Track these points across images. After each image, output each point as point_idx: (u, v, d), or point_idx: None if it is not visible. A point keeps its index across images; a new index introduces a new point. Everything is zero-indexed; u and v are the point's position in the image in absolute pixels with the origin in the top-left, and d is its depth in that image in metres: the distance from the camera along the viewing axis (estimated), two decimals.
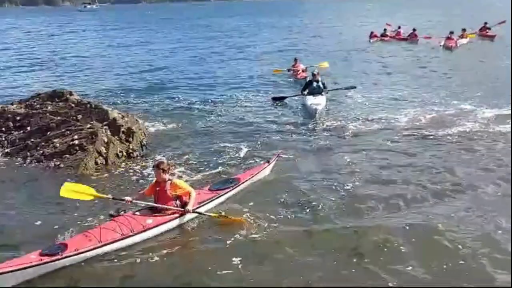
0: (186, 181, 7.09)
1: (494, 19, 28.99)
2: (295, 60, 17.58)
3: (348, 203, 6.73)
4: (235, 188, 7.02)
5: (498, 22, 27.27)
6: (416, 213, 6.38)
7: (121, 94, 15.26)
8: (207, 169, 8.23)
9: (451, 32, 24.19)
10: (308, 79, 13.55)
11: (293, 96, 13.23)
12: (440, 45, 23.82)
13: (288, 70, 17.32)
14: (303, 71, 16.60)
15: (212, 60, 23.53)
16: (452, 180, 7.44)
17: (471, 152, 8.77)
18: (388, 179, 7.60)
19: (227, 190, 6.88)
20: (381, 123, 10.88)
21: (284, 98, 13.17)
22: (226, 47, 29.63)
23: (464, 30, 25.17)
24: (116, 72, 20.41)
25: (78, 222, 6.20)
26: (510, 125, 10.06)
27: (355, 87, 13.90)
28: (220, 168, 8.19)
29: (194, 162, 8.59)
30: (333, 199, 6.83)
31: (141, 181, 7.82)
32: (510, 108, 11.23)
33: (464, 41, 24.36)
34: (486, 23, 27.05)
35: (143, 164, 8.60)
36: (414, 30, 27.59)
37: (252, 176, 7.33)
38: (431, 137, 9.69)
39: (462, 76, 16.72)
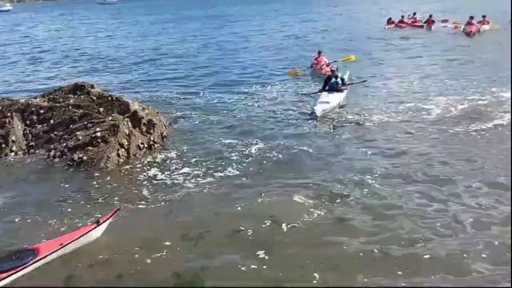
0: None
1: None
2: (319, 53, 15.92)
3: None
4: (24, 267, 4.99)
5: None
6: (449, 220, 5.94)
7: (142, 86, 15.20)
8: (217, 167, 7.90)
9: (471, 17, 23.30)
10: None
11: (316, 92, 12.19)
12: (461, 30, 22.96)
13: (311, 66, 15.69)
14: (327, 65, 14.73)
15: (234, 52, 23.15)
16: (492, 182, 6.87)
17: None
18: (416, 180, 7.07)
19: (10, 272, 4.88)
20: (409, 114, 10.40)
21: (306, 94, 12.50)
22: (246, 37, 29.20)
23: (484, 16, 24.16)
24: (135, 64, 20.37)
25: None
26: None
27: (365, 81, 13.21)
28: (229, 169, 7.80)
29: (208, 159, 8.32)
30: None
31: (160, 175, 7.73)
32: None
33: (486, 27, 23.40)
34: None
35: (164, 155, 8.57)
36: (430, 16, 26.81)
37: (62, 246, 5.26)
38: (467, 131, 9.08)
39: (491, 62, 16.00)
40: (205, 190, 7.06)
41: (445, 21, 25.26)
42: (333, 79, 11.86)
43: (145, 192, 7.09)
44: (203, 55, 22.46)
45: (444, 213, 6.05)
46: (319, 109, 10.58)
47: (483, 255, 5.10)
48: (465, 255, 5.12)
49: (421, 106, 10.89)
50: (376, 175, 7.24)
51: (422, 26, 26.44)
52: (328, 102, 10.95)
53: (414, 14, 28.91)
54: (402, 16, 28.24)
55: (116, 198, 6.91)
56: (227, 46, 25.21)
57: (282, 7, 59.31)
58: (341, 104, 11.38)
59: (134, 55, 23.30)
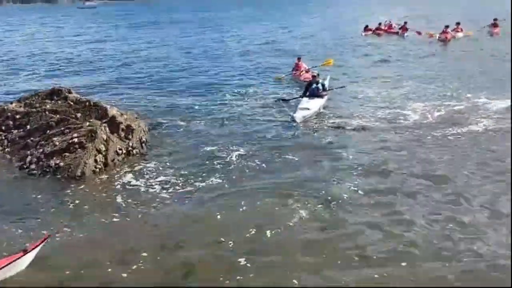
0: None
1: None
2: (298, 59, 16.00)
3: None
4: None
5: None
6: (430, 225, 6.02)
7: (121, 91, 14.98)
8: (197, 175, 7.77)
9: (446, 27, 23.94)
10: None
11: (297, 98, 12.21)
12: (436, 38, 23.54)
13: (292, 71, 15.70)
14: (306, 71, 14.89)
15: (214, 57, 23.10)
16: (465, 186, 7.04)
17: (487, 153, 8.31)
18: (392, 187, 7.12)
19: None
20: (388, 120, 10.55)
21: (288, 100, 12.46)
22: (225, 42, 29.26)
23: (458, 23, 24.79)
24: (114, 69, 20.10)
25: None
26: (510, 124, 9.67)
27: (344, 86, 13.41)
28: (210, 177, 7.66)
29: (188, 166, 8.19)
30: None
31: (137, 182, 7.57)
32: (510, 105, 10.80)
33: (460, 34, 24.02)
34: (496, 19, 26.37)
35: (143, 162, 8.43)
36: (405, 23, 27.50)
37: None
38: (444, 136, 9.25)
39: (466, 68, 16.42)
40: (185, 199, 6.95)
41: (419, 33, 25.93)
42: (314, 85, 11.95)
43: (121, 201, 6.93)
44: (184, 60, 22.33)
45: (424, 217, 6.12)
46: (299, 116, 10.62)
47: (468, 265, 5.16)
48: (446, 264, 5.16)
49: (399, 111, 11.05)
50: (358, 180, 7.29)
51: (397, 33, 27.05)
52: (308, 108, 11.01)
53: (390, 21, 29.57)
54: (379, 23, 28.93)
55: (90, 208, 6.72)
56: (207, 51, 25.17)
57: (261, 13, 59.89)
58: (321, 109, 11.46)
59: (113, 59, 23.00)
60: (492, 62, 17.08)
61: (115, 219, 6.40)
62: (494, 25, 25.64)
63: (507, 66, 16.09)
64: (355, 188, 7.01)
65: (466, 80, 14.12)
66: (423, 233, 5.72)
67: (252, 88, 14.50)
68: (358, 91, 13.47)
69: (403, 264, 5.14)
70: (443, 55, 20.02)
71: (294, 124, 10.45)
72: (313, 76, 12.39)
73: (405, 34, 26.05)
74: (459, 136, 9.21)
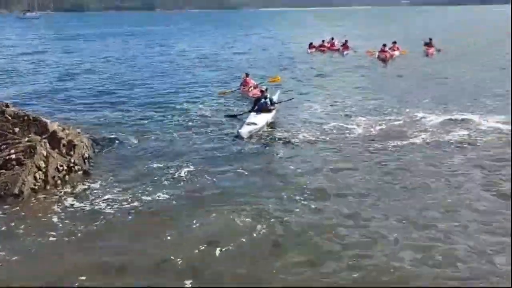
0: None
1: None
2: (246, 75, 16.01)
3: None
4: None
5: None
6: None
7: (62, 106, 14.42)
8: (144, 191, 7.55)
9: (384, 45, 25.23)
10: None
11: (246, 112, 12.30)
12: (376, 56, 24.71)
13: (239, 88, 15.66)
14: (254, 87, 14.94)
15: (163, 71, 22.86)
16: (403, 195, 7.38)
17: (427, 165, 8.71)
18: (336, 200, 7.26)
19: None
20: (334, 133, 10.86)
21: (236, 115, 12.50)
22: (173, 57, 29.11)
23: (394, 42, 26.24)
24: (56, 82, 19.30)
25: None
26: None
27: (292, 99, 13.74)
28: (158, 194, 7.47)
29: (135, 183, 7.93)
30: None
31: (79, 201, 7.23)
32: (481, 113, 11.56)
33: (397, 53, 25.43)
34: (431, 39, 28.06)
35: (86, 179, 8.09)
36: (346, 41, 28.88)
37: None
38: (386, 148, 9.64)
39: (404, 85, 17.28)
40: (130, 217, 6.72)
41: (357, 50, 27.45)
42: (263, 100, 12.12)
43: (61, 220, 6.58)
44: (129, 73, 21.92)
45: (372, 225, 6.34)
46: (245, 131, 10.66)
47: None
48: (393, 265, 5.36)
49: (344, 125, 11.42)
50: (307, 193, 7.40)
51: (338, 50, 28.24)
52: (255, 124, 11.09)
53: (332, 38, 31.06)
54: (323, 41, 30.15)
55: (26, 228, 6.34)
56: (153, 65, 24.96)
57: (207, 28, 60.16)
58: (269, 123, 11.62)
59: (55, 72, 22.14)
60: (427, 80, 18.13)
61: (53, 239, 6.08)
62: (429, 44, 27.36)
63: (441, 84, 17.24)
64: (305, 202, 7.10)
65: (404, 96, 14.87)
66: (374, 244, 5.89)
67: (198, 103, 14.45)
68: (305, 106, 13.79)
69: (355, 275, 5.24)
70: (383, 72, 21.07)
71: (242, 139, 10.47)
72: (262, 92, 12.58)
73: (345, 52, 27.32)
74: (400, 148, 9.65)
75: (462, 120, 11.54)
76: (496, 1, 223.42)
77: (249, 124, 11.08)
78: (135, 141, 10.40)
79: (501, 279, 5.11)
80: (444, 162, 8.79)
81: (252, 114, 11.77)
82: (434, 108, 12.78)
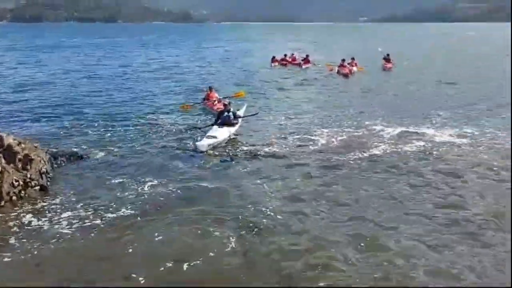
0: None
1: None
2: (210, 89, 15.92)
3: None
4: None
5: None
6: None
7: (18, 119, 13.87)
8: (107, 208, 7.37)
9: (343, 60, 26.01)
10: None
11: (209, 126, 12.32)
12: (335, 71, 25.40)
13: (202, 101, 15.59)
14: (218, 101, 14.87)
15: (124, 83, 22.48)
16: (367, 204, 7.63)
17: (387, 174, 9.07)
18: (297, 209, 7.41)
19: None
20: (298, 145, 11.07)
21: (198, 128, 12.45)
22: (136, 69, 28.73)
23: (353, 59, 27.02)
24: (11, 94, 18.55)
25: None
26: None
27: (257, 113, 13.88)
28: (121, 210, 7.29)
29: (97, 199, 7.73)
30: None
31: (36, 218, 6.94)
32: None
33: (355, 69, 26.24)
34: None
35: (43, 195, 7.81)
36: (307, 56, 29.72)
37: None
38: (348, 159, 9.91)
39: (364, 98, 17.89)
40: (93, 235, 6.52)
41: (318, 64, 28.41)
42: (226, 113, 12.15)
43: (16, 240, 6.28)
44: (90, 85, 21.47)
45: (336, 234, 6.53)
46: (204, 144, 10.57)
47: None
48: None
49: (307, 137, 11.68)
50: (273, 205, 7.47)
51: (300, 64, 28.84)
52: (215, 137, 11.04)
53: (293, 53, 31.61)
54: (285, 55, 30.81)
55: None
56: (116, 77, 24.54)
57: (172, 40, 60.01)
58: (232, 137, 11.66)
59: (10, 84, 21.28)
60: (385, 94, 18.89)
61: (8, 260, 5.80)
62: (387, 60, 28.44)
63: (398, 98, 17.92)
64: (272, 213, 7.17)
65: (363, 109, 15.37)
66: (339, 251, 6.04)
67: (161, 115, 14.35)
68: (269, 118, 13.99)
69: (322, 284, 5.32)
70: (344, 86, 21.61)
71: (202, 152, 10.39)
72: (225, 105, 12.59)
73: (305, 66, 28.05)
74: (362, 158, 9.99)
75: (418, 132, 12.08)
76: (450, 19, 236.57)
77: (209, 137, 11.03)
78: (96, 155, 10.16)
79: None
80: (402, 172, 9.15)
81: (215, 127, 11.78)
82: (392, 120, 13.29)
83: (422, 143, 11.07)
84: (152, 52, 42.33)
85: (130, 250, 6.06)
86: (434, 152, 10.41)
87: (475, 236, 6.50)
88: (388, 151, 10.47)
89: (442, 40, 67.35)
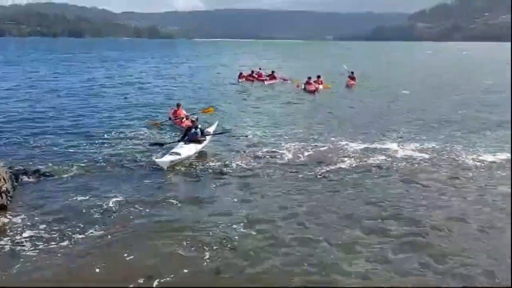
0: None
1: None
2: (178, 105, 15.70)
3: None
4: None
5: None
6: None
7: None
8: (73, 226, 7.23)
9: (309, 78, 26.54)
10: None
11: (172, 143, 12.24)
12: (302, 88, 25.91)
13: (169, 119, 15.43)
14: (186, 118, 14.66)
15: (88, 98, 22.09)
16: (333, 215, 7.87)
17: (351, 187, 9.35)
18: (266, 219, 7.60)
19: None
20: (266, 159, 11.23)
21: (162, 144, 12.24)
22: (100, 84, 28.29)
23: (319, 76, 27.66)
24: None
25: None
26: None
27: (226, 132, 13.77)
28: (88, 228, 7.17)
29: (62, 219, 7.54)
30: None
31: None
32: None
33: (321, 86, 26.80)
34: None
35: (4, 216, 7.49)
36: (272, 72, 30.47)
37: None
38: (315, 173, 10.15)
39: (329, 114, 18.31)
40: (59, 255, 6.34)
41: (285, 79, 29.11)
42: (193, 130, 12.12)
43: None
44: (51, 100, 20.98)
45: (307, 247, 6.67)
46: (165, 161, 10.38)
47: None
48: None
49: (275, 151, 11.89)
50: (244, 222, 7.48)
51: (265, 80, 29.23)
52: (178, 154, 10.89)
53: (260, 69, 32.09)
54: (252, 71, 31.22)
55: None
56: (79, 92, 24.16)
57: (139, 56, 59.44)
58: (200, 153, 11.64)
59: None
60: (350, 110, 19.43)
61: None
62: (351, 78, 29.27)
63: (362, 114, 18.45)
64: (241, 229, 7.21)
65: (329, 125, 15.79)
66: (309, 264, 6.17)
67: (127, 132, 14.12)
68: (237, 134, 14.09)
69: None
70: (310, 103, 22.00)
71: (164, 169, 10.24)
72: (193, 121, 12.57)
73: (270, 82, 28.55)
74: (328, 172, 10.26)
75: (381, 147, 12.48)
76: (409, 38, 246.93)
77: (172, 153, 10.87)
78: (59, 172, 9.91)
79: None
80: (366, 185, 9.47)
81: (180, 143, 11.69)
82: (356, 136, 13.68)
83: (384, 157, 11.47)
84: (116, 67, 41.83)
85: (98, 269, 5.95)
86: (395, 166, 10.81)
87: (430, 249, 6.73)
88: (353, 165, 10.78)
89: (402, 58, 70.15)
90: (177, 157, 10.75)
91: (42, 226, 7.18)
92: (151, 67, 43.43)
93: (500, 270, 6.11)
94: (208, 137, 12.54)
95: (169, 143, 12.29)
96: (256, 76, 30.55)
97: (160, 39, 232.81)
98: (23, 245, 6.57)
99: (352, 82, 28.42)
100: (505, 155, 11.61)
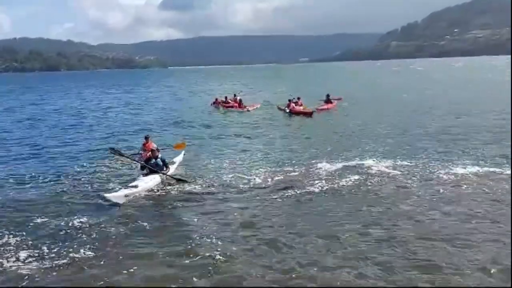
0: None
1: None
2: (146, 138, 14.21)
3: None
4: None
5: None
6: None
7: None
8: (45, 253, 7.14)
9: (289, 100, 26.30)
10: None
11: (131, 158, 12.05)
12: (283, 110, 25.78)
13: (140, 151, 14.02)
14: (158, 150, 12.31)
15: (53, 128, 21.82)
16: (300, 240, 7.54)
17: (321, 209, 9.01)
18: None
19: None
20: (233, 185, 10.85)
21: (122, 154, 11.87)
22: (65, 115, 28.04)
23: (299, 98, 27.47)
24: None
25: None
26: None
27: (190, 181, 11.68)
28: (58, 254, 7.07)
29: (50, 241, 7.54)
30: None
31: None
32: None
33: (301, 108, 26.37)
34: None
35: None
36: (239, 98, 29.95)
37: None
38: (282, 197, 9.80)
39: (305, 137, 17.76)
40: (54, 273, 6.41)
41: (256, 106, 29.21)
42: (153, 160, 11.47)
43: None
44: (16, 131, 20.65)
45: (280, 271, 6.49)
46: (119, 195, 9.69)
47: None
48: None
49: (243, 176, 11.46)
50: (211, 245, 7.35)
51: (240, 106, 28.73)
52: (136, 186, 10.24)
53: (235, 95, 31.78)
54: (225, 97, 30.75)
55: None
56: (47, 122, 24.07)
57: (112, 86, 59.14)
58: (159, 184, 10.99)
59: None
60: (326, 133, 18.74)
61: None
62: (327, 101, 29.04)
63: (337, 134, 18.06)
64: (212, 253, 7.03)
65: (304, 147, 15.33)
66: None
67: (94, 162, 13.73)
68: (203, 157, 13.73)
69: None
70: (285, 126, 21.49)
71: (117, 204, 9.55)
72: (152, 151, 11.84)
73: (246, 108, 28.06)
74: (296, 196, 9.85)
75: (355, 166, 12.11)
76: (382, 57, 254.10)
77: (128, 187, 10.20)
78: (20, 195, 10.13)
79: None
80: (337, 206, 9.16)
81: (140, 176, 11.09)
82: (331, 158, 13.19)
83: (357, 176, 11.07)
84: (89, 98, 41.41)
85: None
86: (369, 185, 10.48)
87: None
88: (325, 188, 10.34)
89: (374, 77, 71.38)
90: (134, 190, 10.09)
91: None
92: (121, 97, 43.01)
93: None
94: (173, 166, 11.95)
95: (128, 156, 12.40)
96: (231, 102, 30.01)
97: (138, 69, 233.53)
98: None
99: (329, 105, 28.02)
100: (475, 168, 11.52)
